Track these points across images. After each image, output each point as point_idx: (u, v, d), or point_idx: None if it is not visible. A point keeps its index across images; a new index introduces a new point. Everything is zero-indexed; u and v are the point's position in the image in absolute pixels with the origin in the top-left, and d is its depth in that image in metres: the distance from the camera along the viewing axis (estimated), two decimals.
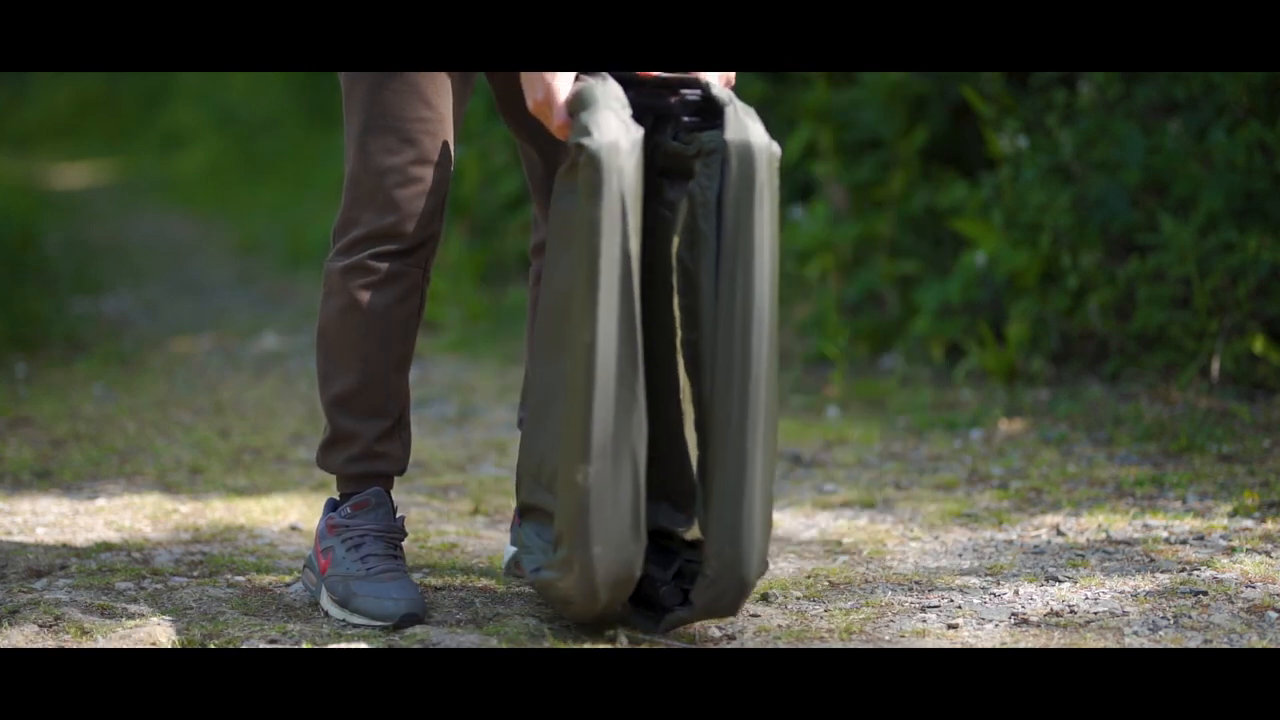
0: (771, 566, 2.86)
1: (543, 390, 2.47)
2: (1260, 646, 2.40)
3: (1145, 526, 3.08)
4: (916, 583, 2.78)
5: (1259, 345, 4.02)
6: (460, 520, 3.33)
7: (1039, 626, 2.52)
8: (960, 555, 2.95)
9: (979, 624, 2.54)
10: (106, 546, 3.05)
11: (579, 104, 2.38)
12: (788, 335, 5.01)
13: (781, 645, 2.46)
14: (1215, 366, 4.05)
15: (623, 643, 2.42)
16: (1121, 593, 2.67)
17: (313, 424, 4.29)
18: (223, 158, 10.94)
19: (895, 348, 4.91)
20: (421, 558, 2.98)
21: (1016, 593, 2.69)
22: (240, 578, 2.84)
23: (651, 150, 2.50)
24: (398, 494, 3.40)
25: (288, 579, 2.84)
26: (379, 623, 2.54)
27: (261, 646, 2.47)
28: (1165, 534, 3.02)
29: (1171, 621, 2.51)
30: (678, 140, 2.48)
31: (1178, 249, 4.10)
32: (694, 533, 2.53)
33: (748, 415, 2.35)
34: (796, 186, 5.48)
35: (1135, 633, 2.47)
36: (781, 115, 5.50)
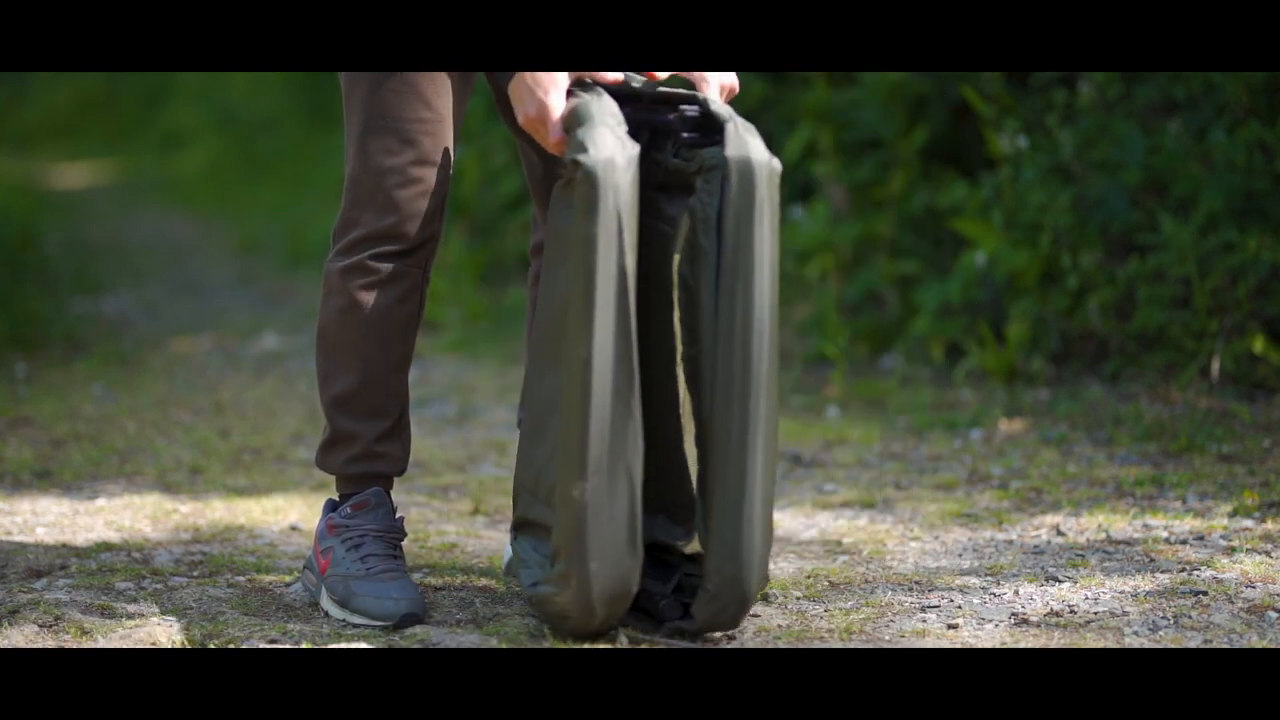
0: (771, 566, 2.85)
1: (539, 404, 2.48)
2: (1260, 646, 2.40)
3: (1145, 526, 3.08)
4: (916, 583, 2.78)
5: (1259, 345, 4.02)
6: (460, 520, 3.33)
7: (1039, 626, 2.52)
8: (960, 555, 2.95)
9: (979, 624, 2.54)
10: (106, 546, 3.05)
11: (574, 120, 2.38)
12: (788, 335, 5.01)
13: (781, 645, 2.46)
14: (1215, 366, 4.05)
15: (623, 643, 2.42)
16: (1121, 593, 2.67)
17: (313, 424, 4.29)
18: (223, 158, 10.94)
19: (895, 348, 4.91)
20: (421, 558, 2.98)
21: (1016, 593, 2.69)
22: (240, 578, 2.84)
23: (649, 166, 2.50)
24: (398, 494, 3.40)
25: (288, 579, 2.84)
26: (379, 623, 2.54)
27: (261, 646, 2.47)
28: (1165, 534, 3.02)
29: (1171, 621, 2.51)
30: (678, 157, 2.48)
31: (1178, 249, 4.10)
32: (693, 546, 2.53)
33: (748, 431, 2.36)
34: (796, 186, 5.48)
35: (1135, 633, 2.47)
36: (781, 115, 5.51)
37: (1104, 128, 4.41)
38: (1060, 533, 3.06)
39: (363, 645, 2.45)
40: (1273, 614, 2.53)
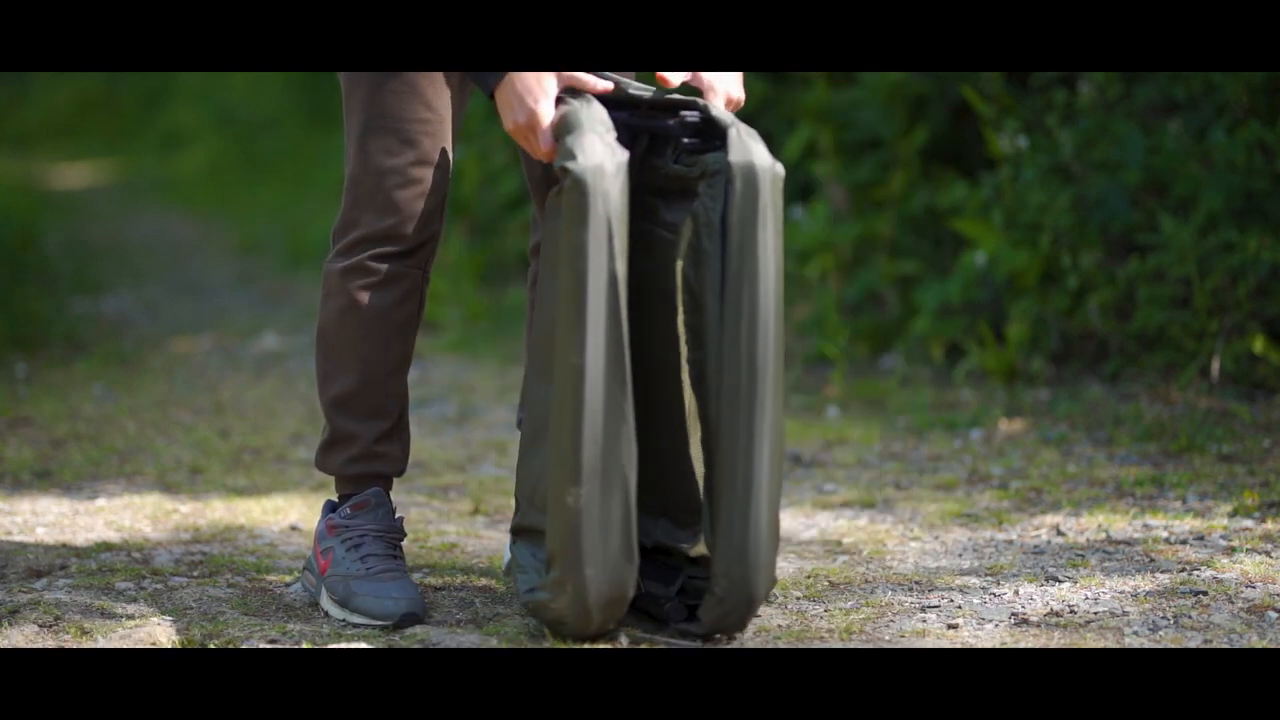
0: None
1: (536, 413, 2.48)
2: (1260, 646, 2.40)
3: (1145, 526, 3.07)
4: (916, 583, 2.78)
5: (1259, 345, 4.02)
6: (460, 520, 3.33)
7: (1039, 626, 2.52)
8: (960, 555, 2.95)
9: (979, 624, 2.54)
10: (106, 546, 3.05)
11: (564, 128, 2.38)
12: (788, 335, 5.01)
13: (781, 645, 2.46)
14: (1215, 366, 4.05)
15: (623, 643, 2.42)
16: (1121, 593, 2.67)
17: (313, 424, 4.29)
18: (223, 158, 10.94)
19: (895, 348, 4.91)
20: (421, 558, 2.98)
21: (1016, 593, 2.69)
22: (240, 578, 2.84)
23: (648, 171, 2.51)
24: (398, 494, 3.40)
25: (288, 579, 2.84)
26: (379, 622, 2.54)
27: (261, 646, 2.47)
28: (1165, 534, 3.01)
29: (1171, 621, 2.51)
30: (679, 163, 2.48)
31: (1178, 249, 4.10)
32: (698, 549, 2.54)
33: (754, 435, 2.36)
34: (796, 186, 5.48)
35: (1135, 633, 2.47)
36: (781, 115, 5.50)
37: (1104, 128, 4.41)
38: (1060, 533, 3.06)
39: (363, 645, 2.45)
40: (1273, 614, 2.53)
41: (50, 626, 2.54)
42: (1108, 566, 2.82)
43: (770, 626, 2.54)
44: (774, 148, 4.95)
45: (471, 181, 6.57)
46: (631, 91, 2.50)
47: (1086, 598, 2.65)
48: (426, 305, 2.69)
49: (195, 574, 2.87)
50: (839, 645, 2.46)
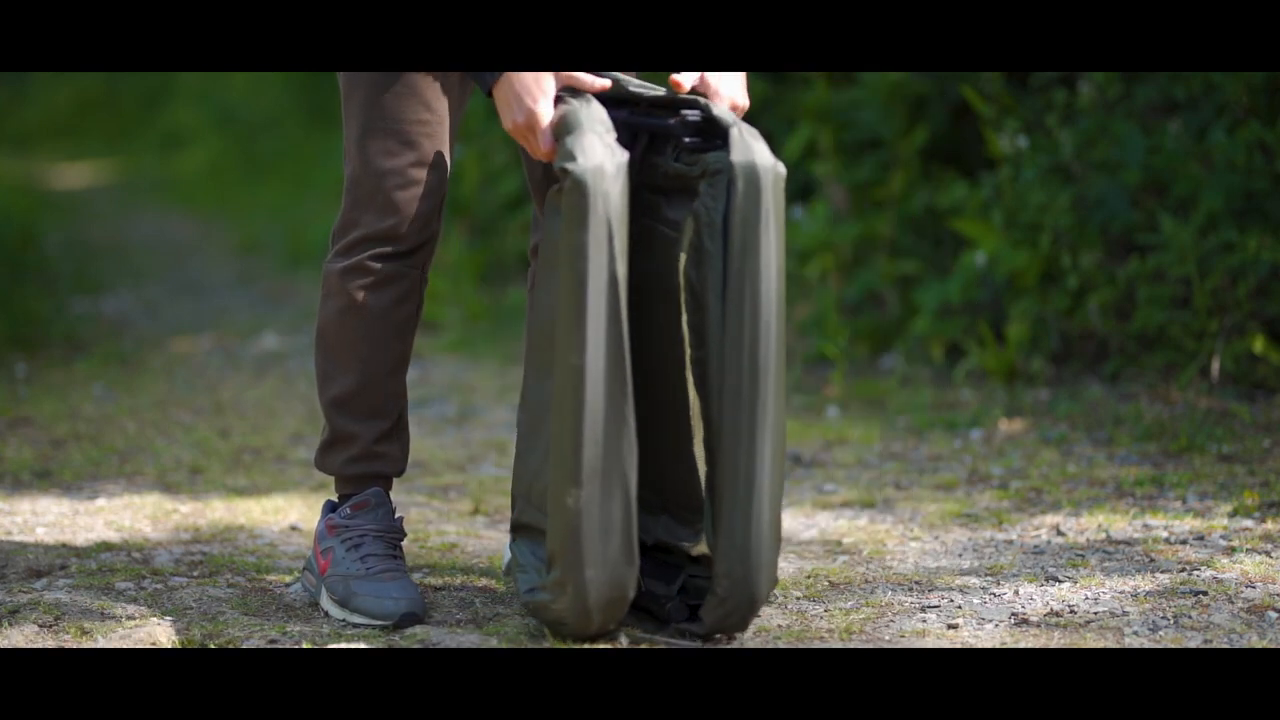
0: None
1: (533, 410, 2.48)
2: (1260, 646, 2.40)
3: (1145, 526, 3.07)
4: (916, 583, 2.78)
5: (1259, 345, 4.02)
6: (460, 520, 3.33)
7: (1039, 626, 2.52)
8: (960, 555, 2.95)
9: (979, 624, 2.54)
10: (106, 546, 3.05)
11: (563, 128, 2.38)
12: (788, 335, 5.01)
13: (781, 645, 2.46)
14: (1215, 366, 4.05)
15: (623, 643, 2.42)
16: (1121, 593, 2.67)
17: (313, 424, 4.29)
18: (223, 158, 10.94)
19: (895, 348, 4.91)
20: (421, 558, 2.98)
21: (1016, 593, 2.69)
22: (240, 578, 2.84)
23: (649, 169, 2.50)
24: (398, 494, 3.40)
25: (288, 579, 2.84)
26: (379, 622, 2.54)
27: (261, 646, 2.47)
28: (1165, 534, 3.01)
29: (1171, 621, 2.51)
30: (679, 161, 2.48)
31: (1178, 249, 4.10)
32: (700, 548, 2.54)
33: (756, 435, 2.36)
34: (796, 186, 5.48)
35: (1135, 633, 2.47)
36: (781, 115, 5.50)
37: (1104, 128, 4.41)
38: (1060, 533, 3.06)
39: (363, 645, 2.45)
40: (1273, 614, 2.53)
41: (50, 626, 2.54)
42: (1108, 566, 2.82)
43: (770, 626, 2.54)
44: (774, 148, 4.94)
45: (471, 181, 6.57)
46: (632, 89, 2.50)
47: (1086, 598, 2.65)
48: (425, 306, 2.69)
49: (195, 574, 2.87)
50: (839, 645, 2.46)
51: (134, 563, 2.94)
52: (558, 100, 2.45)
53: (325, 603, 2.63)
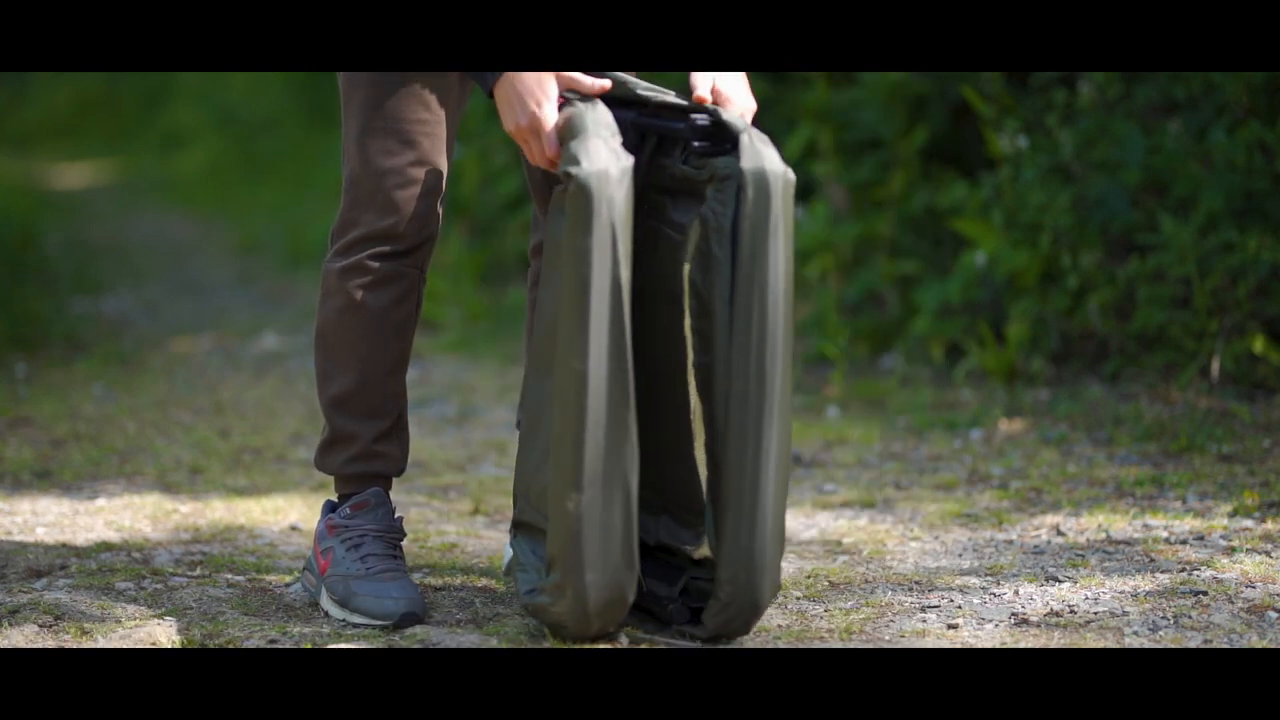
0: None
1: (533, 410, 2.48)
2: (1260, 646, 2.40)
3: (1145, 526, 3.08)
4: (916, 583, 2.78)
5: (1259, 345, 4.02)
6: (460, 520, 3.33)
7: (1039, 626, 2.52)
8: (960, 555, 2.95)
9: (979, 624, 2.54)
10: (106, 546, 3.05)
11: (568, 132, 2.37)
12: None
13: (781, 645, 2.46)
14: (1215, 366, 4.05)
15: (623, 643, 2.42)
16: (1121, 593, 2.67)
17: (313, 424, 4.29)
18: (223, 158, 10.94)
19: (895, 348, 4.91)
20: (421, 558, 2.98)
21: (1016, 593, 2.69)
22: (240, 578, 2.84)
23: (657, 170, 2.50)
24: (398, 494, 3.40)
25: (288, 579, 2.84)
26: (379, 622, 2.54)
27: (261, 646, 2.47)
28: (1165, 534, 3.02)
29: (1171, 621, 2.51)
30: (687, 164, 2.48)
31: (1178, 249, 4.10)
32: (701, 551, 2.53)
33: (762, 441, 2.36)
34: (796, 187, 5.46)
35: (1135, 633, 2.47)
36: (781, 115, 5.50)
37: (1104, 128, 4.41)
38: (1060, 533, 3.06)
39: (363, 645, 2.45)
40: (1273, 614, 2.53)
41: (50, 626, 2.54)
42: (1108, 566, 2.82)
43: (770, 626, 2.54)
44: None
45: (471, 181, 6.57)
46: (640, 92, 2.49)
47: (1086, 598, 2.65)
48: (425, 305, 2.69)
49: (195, 574, 2.87)
50: (839, 645, 2.46)
51: (134, 563, 2.94)
52: (562, 103, 2.44)
53: (325, 603, 2.63)
